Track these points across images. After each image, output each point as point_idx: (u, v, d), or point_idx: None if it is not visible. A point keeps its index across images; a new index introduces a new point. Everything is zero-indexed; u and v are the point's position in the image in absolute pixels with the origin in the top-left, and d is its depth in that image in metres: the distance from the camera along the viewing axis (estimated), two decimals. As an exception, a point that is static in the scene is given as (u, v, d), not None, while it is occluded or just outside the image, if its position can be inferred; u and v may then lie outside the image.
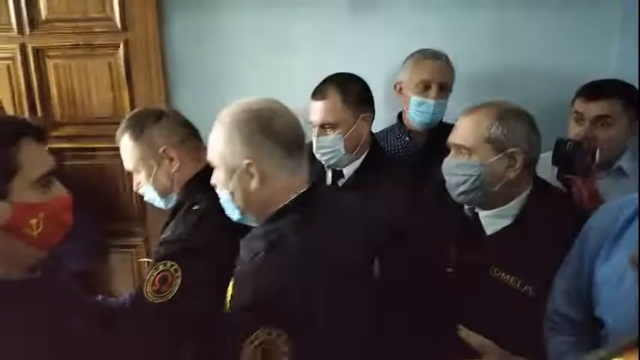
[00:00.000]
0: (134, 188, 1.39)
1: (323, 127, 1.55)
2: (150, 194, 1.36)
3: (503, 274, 1.21)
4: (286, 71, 1.84)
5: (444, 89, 1.75)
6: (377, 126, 1.78)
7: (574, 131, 1.55)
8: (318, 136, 1.56)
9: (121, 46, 2.01)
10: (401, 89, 1.80)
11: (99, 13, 1.99)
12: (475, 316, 1.16)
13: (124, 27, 1.99)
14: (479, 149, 1.22)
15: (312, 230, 1.01)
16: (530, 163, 1.24)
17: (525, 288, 1.18)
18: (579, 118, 1.55)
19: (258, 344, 0.88)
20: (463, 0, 1.98)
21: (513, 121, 1.21)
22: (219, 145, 1.04)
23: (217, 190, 1.11)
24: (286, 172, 1.03)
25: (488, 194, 1.23)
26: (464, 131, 1.25)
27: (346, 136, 1.54)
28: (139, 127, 1.30)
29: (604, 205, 1.09)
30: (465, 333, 1.07)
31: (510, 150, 1.20)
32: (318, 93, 1.56)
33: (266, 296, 0.92)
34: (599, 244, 1.00)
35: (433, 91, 1.73)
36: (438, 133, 1.68)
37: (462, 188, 1.24)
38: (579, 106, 1.54)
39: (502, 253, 1.22)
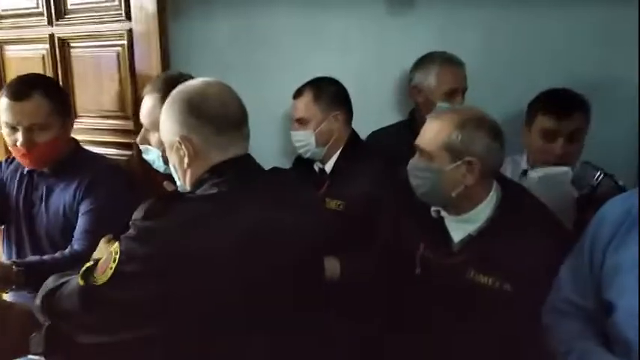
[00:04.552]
0: (137, 139, 1.45)
1: (298, 122, 1.77)
2: (152, 155, 1.43)
3: (481, 277, 1.26)
4: (321, 70, 1.85)
5: (463, 95, 1.87)
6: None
7: (541, 148, 1.58)
8: (293, 130, 1.79)
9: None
10: (420, 92, 1.87)
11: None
12: (453, 320, 1.28)
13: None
14: (438, 155, 1.28)
15: (222, 205, 1.01)
16: (490, 171, 1.29)
17: (505, 287, 1.24)
18: (548, 134, 1.57)
19: None
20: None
21: (473, 131, 1.25)
22: (161, 121, 1.13)
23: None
24: (216, 149, 1.07)
25: (448, 198, 1.29)
26: (426, 136, 1.31)
27: (316, 131, 1.73)
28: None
29: (613, 199, 1.13)
30: None
31: (467, 158, 1.25)
32: (296, 92, 1.79)
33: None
34: (612, 233, 1.06)
35: (459, 98, 1.85)
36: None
37: (421, 190, 1.32)
38: (548, 123, 1.52)
39: (477, 257, 1.28)
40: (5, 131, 1.55)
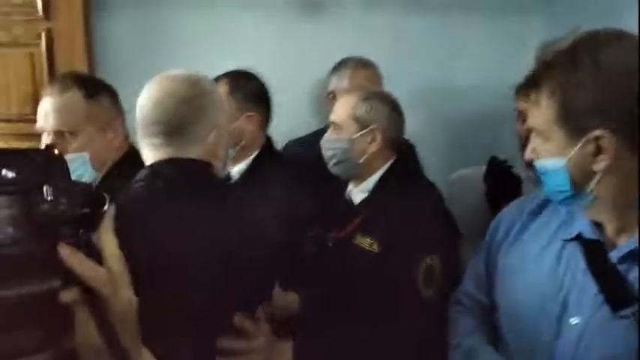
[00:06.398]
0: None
1: None
2: (78, 166, 1.26)
3: (361, 239, 1.35)
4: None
5: None
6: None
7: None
8: None
9: (43, 36, 1.87)
10: (335, 97, 1.86)
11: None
12: (341, 283, 1.33)
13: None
14: (347, 125, 1.41)
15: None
16: (391, 140, 1.43)
17: (374, 247, 1.32)
18: (520, 116, 1.47)
19: None
20: (412, 2, 2.04)
21: (377, 102, 1.41)
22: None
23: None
24: (147, 148, 1.04)
25: (356, 166, 1.42)
26: (337, 110, 1.45)
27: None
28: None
29: (512, 202, 1.16)
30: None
31: (371, 127, 1.38)
32: None
33: None
34: (505, 234, 1.08)
35: None
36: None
37: (333, 160, 1.44)
38: (518, 103, 1.45)
39: (361, 221, 1.37)
40: None
